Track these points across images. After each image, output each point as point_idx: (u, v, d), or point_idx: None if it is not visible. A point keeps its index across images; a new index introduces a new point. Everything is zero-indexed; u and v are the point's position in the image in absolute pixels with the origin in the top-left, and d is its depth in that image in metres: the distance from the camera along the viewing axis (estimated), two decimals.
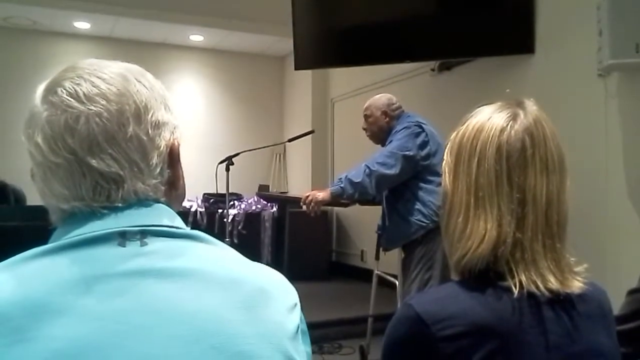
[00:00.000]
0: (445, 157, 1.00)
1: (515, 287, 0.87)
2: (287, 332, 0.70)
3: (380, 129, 3.26)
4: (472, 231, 0.91)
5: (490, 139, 0.92)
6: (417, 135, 3.06)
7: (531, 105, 0.97)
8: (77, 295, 0.62)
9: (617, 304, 1.26)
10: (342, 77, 6.61)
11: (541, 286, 0.88)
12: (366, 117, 3.31)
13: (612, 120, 3.41)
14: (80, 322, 0.60)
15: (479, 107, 0.99)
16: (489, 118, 0.95)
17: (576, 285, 0.91)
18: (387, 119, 3.24)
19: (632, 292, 1.34)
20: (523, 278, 0.88)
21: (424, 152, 3.05)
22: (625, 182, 3.34)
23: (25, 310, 0.60)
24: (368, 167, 2.99)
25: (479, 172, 0.92)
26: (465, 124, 0.97)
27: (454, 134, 0.99)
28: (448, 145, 1.00)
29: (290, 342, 0.70)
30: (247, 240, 6.18)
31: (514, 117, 0.94)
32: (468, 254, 0.91)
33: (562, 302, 0.90)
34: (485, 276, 0.90)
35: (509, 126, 0.93)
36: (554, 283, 0.89)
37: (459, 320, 0.85)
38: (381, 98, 3.31)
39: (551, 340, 0.87)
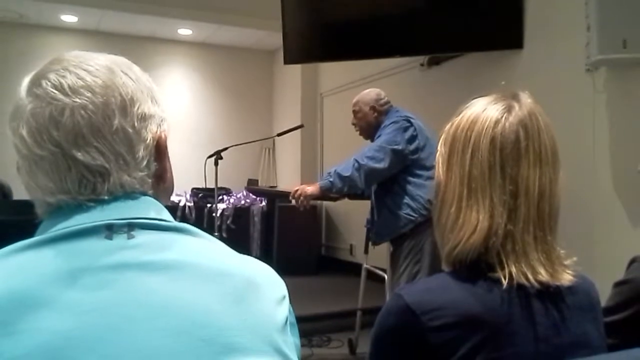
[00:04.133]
0: (439, 148, 1.00)
1: (505, 279, 0.87)
2: (276, 324, 0.70)
3: (368, 125, 3.27)
4: (464, 222, 0.92)
5: (484, 130, 0.93)
6: (406, 129, 3.06)
7: (526, 98, 0.97)
8: (62, 288, 0.61)
9: (605, 296, 1.27)
10: (332, 72, 6.61)
11: (531, 278, 0.88)
12: (355, 112, 3.32)
13: (599, 115, 3.43)
14: (65, 315, 0.60)
15: (474, 99, 0.99)
16: (484, 110, 0.95)
17: (566, 278, 0.92)
18: (376, 114, 3.24)
19: (618, 284, 1.35)
20: (513, 269, 0.88)
21: (412, 146, 3.05)
22: (612, 175, 3.36)
23: (10, 304, 0.59)
24: (357, 161, 3.00)
25: (473, 164, 0.92)
26: (460, 116, 0.97)
27: (448, 125, 0.99)
28: (442, 136, 1.00)
29: (279, 334, 0.69)
30: (236, 234, 6.17)
31: (508, 109, 0.94)
32: (459, 245, 0.91)
33: (551, 294, 0.90)
34: (476, 267, 0.90)
35: (503, 118, 0.93)
36: (544, 275, 0.89)
37: (448, 311, 0.86)
38: (369, 93, 3.31)
39: (540, 332, 0.88)
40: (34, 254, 0.64)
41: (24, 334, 0.58)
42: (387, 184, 3.13)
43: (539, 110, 0.96)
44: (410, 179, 3.08)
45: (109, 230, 0.67)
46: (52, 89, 0.69)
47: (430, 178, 2.89)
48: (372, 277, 3.78)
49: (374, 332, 0.93)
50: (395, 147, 3.01)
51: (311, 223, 6.32)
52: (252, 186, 6.46)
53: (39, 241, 0.66)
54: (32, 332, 0.58)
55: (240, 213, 6.44)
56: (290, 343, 0.72)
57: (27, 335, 0.58)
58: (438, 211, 0.98)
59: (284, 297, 0.74)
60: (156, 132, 0.76)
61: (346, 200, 3.61)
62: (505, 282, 0.87)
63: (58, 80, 0.70)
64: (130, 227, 0.68)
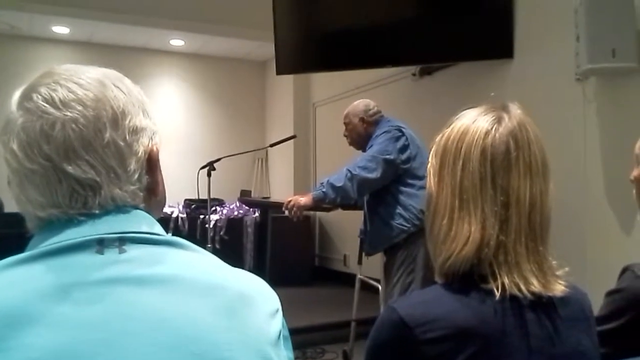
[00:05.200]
0: (430, 160, 1.00)
1: (498, 290, 0.87)
2: (269, 338, 0.70)
3: (359, 136, 3.28)
4: (456, 233, 0.92)
5: (475, 141, 0.93)
6: (397, 139, 3.07)
7: (515, 109, 0.98)
8: (53, 304, 0.61)
9: (597, 305, 1.27)
10: (324, 82, 6.62)
11: (524, 289, 0.88)
12: (345, 124, 3.34)
13: (590, 124, 3.45)
14: (57, 330, 0.59)
15: (464, 110, 0.99)
16: (474, 121, 0.95)
17: (558, 288, 0.92)
18: (365, 125, 3.26)
19: (610, 293, 1.36)
20: (506, 280, 0.88)
21: (404, 156, 3.06)
22: (603, 184, 3.38)
23: (2, 320, 0.59)
24: (350, 171, 3.00)
25: (464, 175, 0.93)
26: (451, 127, 0.98)
27: (439, 137, 0.99)
28: (433, 148, 1.00)
29: (272, 348, 0.69)
30: (230, 246, 6.15)
31: (498, 121, 0.95)
32: (452, 256, 0.91)
33: (544, 305, 0.90)
34: (469, 279, 0.90)
35: (493, 129, 0.93)
36: (536, 286, 0.89)
37: (442, 323, 0.86)
38: (359, 105, 3.33)
39: (533, 343, 0.88)
40: (25, 270, 0.64)
41: (15, 350, 0.57)
42: (380, 194, 3.13)
43: (528, 121, 0.97)
44: (403, 188, 3.08)
45: (100, 244, 0.67)
46: (43, 103, 0.69)
47: (423, 187, 2.89)
48: (366, 287, 3.78)
49: (368, 345, 0.93)
50: (387, 156, 3.02)
51: (304, 234, 6.31)
52: (245, 197, 6.45)
53: (30, 256, 0.65)
54: (23, 348, 0.58)
55: (234, 224, 6.43)
56: (284, 357, 0.72)
57: (18, 351, 0.57)
58: (430, 223, 0.98)
59: (277, 310, 0.74)
60: (148, 145, 0.75)
61: (339, 210, 3.61)
62: (498, 294, 0.87)
63: (49, 93, 0.70)
64: (122, 241, 0.68)
